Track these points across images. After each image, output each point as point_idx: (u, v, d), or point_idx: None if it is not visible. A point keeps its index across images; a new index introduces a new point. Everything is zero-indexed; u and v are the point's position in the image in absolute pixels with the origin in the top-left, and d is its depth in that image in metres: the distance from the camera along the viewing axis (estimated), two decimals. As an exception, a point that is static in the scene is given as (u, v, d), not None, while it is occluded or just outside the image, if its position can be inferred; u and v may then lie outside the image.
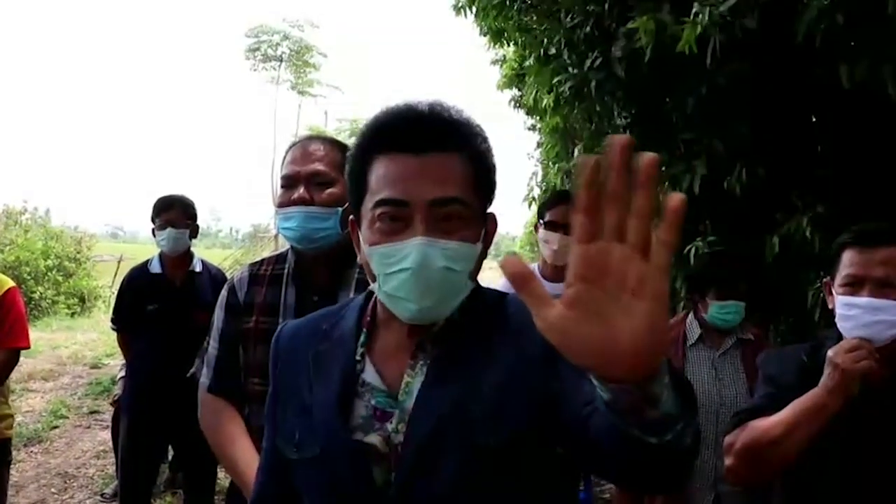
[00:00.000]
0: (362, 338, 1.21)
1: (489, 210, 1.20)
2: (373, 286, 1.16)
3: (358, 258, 1.20)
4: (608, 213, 0.65)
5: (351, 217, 1.23)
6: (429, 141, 1.10)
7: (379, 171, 1.12)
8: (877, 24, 2.82)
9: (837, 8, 2.76)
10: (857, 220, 2.02)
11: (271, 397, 1.30)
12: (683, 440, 0.80)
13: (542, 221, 3.37)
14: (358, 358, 1.19)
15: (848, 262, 1.87)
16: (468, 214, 1.11)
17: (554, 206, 3.36)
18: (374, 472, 1.10)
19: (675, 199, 0.64)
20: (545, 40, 5.09)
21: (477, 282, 1.24)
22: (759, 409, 1.95)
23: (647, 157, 0.64)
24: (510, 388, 1.06)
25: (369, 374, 1.17)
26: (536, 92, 5.73)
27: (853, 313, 1.83)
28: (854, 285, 1.85)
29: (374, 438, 1.11)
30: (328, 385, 1.17)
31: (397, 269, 1.08)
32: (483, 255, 1.19)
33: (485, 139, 1.18)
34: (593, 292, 0.66)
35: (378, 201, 1.10)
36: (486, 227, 1.18)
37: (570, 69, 4.72)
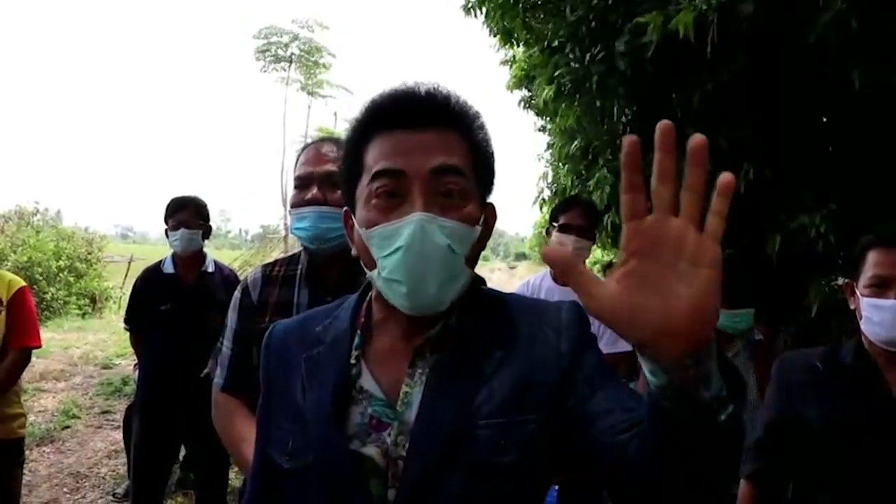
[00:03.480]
0: (357, 340, 1.15)
1: (489, 201, 1.15)
2: (370, 275, 1.10)
3: (353, 251, 1.15)
4: (661, 188, 0.69)
5: (345, 208, 1.18)
6: (426, 117, 1.08)
7: (375, 149, 1.08)
8: (888, 26, 2.81)
9: (852, 12, 2.74)
10: (872, 218, 2.01)
11: (262, 403, 1.25)
12: (735, 423, 0.77)
13: (554, 224, 3.39)
14: (353, 362, 1.13)
15: (873, 262, 1.84)
16: (469, 190, 1.08)
17: (567, 210, 3.40)
18: (370, 484, 1.04)
19: (727, 176, 0.67)
20: (549, 34, 5.10)
21: (477, 280, 1.18)
22: (764, 449, 2.04)
23: (697, 138, 0.68)
24: (521, 404, 1.02)
25: (366, 381, 1.11)
26: (545, 91, 5.73)
27: (880, 316, 1.80)
28: (880, 286, 1.82)
29: (371, 450, 1.05)
30: (322, 391, 1.11)
31: (394, 248, 1.03)
32: (482, 246, 1.13)
33: (482, 125, 1.15)
34: (648, 264, 0.69)
35: (375, 174, 1.06)
36: (485, 216, 1.12)
37: (571, 63, 4.73)
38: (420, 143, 1.05)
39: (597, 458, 0.95)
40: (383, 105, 1.10)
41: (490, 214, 1.15)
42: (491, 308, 1.15)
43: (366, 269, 1.12)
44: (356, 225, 1.11)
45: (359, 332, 1.16)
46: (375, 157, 1.07)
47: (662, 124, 0.70)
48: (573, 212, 3.37)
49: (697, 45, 3.14)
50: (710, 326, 0.70)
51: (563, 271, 0.71)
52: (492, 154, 1.16)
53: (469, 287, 1.12)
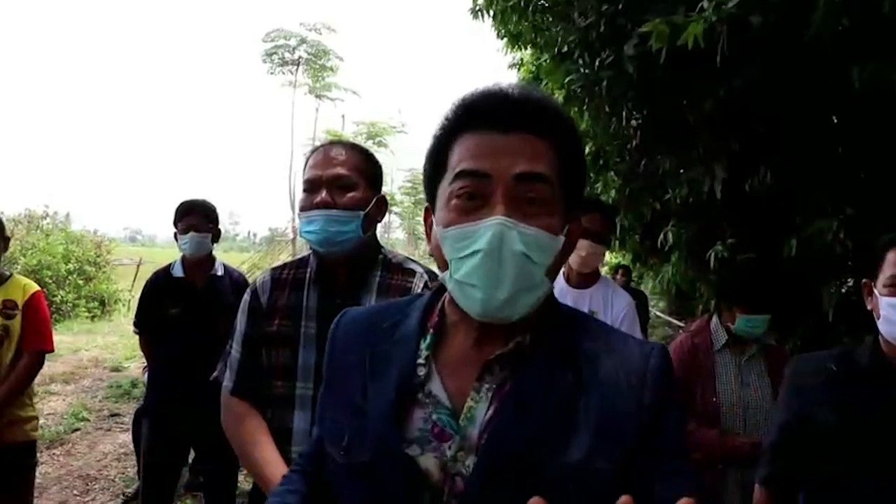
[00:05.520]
0: (428, 340, 1.10)
1: (574, 215, 1.10)
2: (443, 276, 1.07)
3: (428, 248, 1.11)
4: None
5: (426, 206, 1.15)
6: (516, 121, 1.02)
7: (461, 147, 1.04)
8: (882, 26, 2.80)
9: (844, 10, 2.74)
10: (890, 220, 2.00)
11: (323, 392, 1.23)
12: None
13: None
14: (421, 361, 1.08)
15: (893, 261, 1.83)
16: (553, 201, 1.02)
17: (585, 214, 3.35)
18: (423, 495, 1.00)
19: None
20: (559, 39, 5.10)
21: (553, 295, 1.13)
22: (778, 452, 2.02)
23: None
24: (597, 449, 0.96)
25: (435, 385, 1.06)
26: (552, 94, 5.75)
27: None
28: None
29: (428, 461, 1.01)
30: (385, 388, 1.07)
31: (470, 251, 0.98)
32: (563, 259, 1.09)
33: (575, 135, 1.10)
34: None
35: (457, 173, 1.02)
36: (569, 229, 1.07)
37: (582, 69, 4.73)
38: (507, 146, 1.01)
39: None
40: (474, 104, 1.07)
41: (575, 229, 1.10)
42: (567, 327, 1.09)
43: (438, 271, 1.09)
44: (434, 224, 1.08)
45: (431, 331, 1.11)
46: (460, 156, 1.04)
47: None
48: (591, 216, 3.30)
49: (708, 54, 3.13)
50: None
51: None
52: (584, 166, 1.13)
53: (545, 302, 1.07)
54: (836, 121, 4.03)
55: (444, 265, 1.05)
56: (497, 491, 0.96)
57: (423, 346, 1.10)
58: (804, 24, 3.03)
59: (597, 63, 4.50)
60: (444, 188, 1.05)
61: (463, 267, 1.00)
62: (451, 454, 1.01)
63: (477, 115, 1.05)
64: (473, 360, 1.05)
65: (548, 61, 5.75)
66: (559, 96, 5.42)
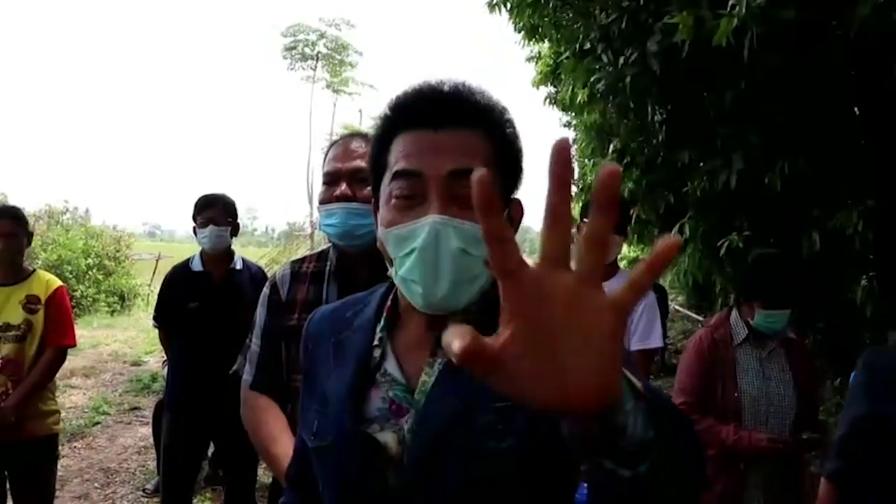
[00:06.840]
0: (381, 324, 1.16)
1: (515, 196, 1.14)
2: (390, 271, 1.10)
3: (377, 244, 1.14)
4: (551, 231, 0.57)
5: (372, 200, 1.18)
6: (446, 116, 1.05)
7: (397, 148, 1.08)
8: None
9: (892, 6, 2.71)
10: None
11: (303, 385, 1.28)
12: (660, 472, 0.69)
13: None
14: (376, 343, 1.14)
15: None
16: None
17: None
18: (385, 469, 1.06)
19: (669, 241, 0.56)
20: (580, 36, 5.08)
21: None
22: (848, 448, 1.93)
23: (608, 170, 0.54)
24: None
25: (391, 365, 1.12)
26: (572, 88, 5.72)
27: None
28: None
29: (387, 436, 1.07)
30: (344, 373, 1.14)
31: (409, 249, 1.03)
32: None
33: (510, 121, 1.12)
34: (535, 330, 0.57)
35: (394, 174, 1.06)
36: (510, 212, 1.11)
37: (605, 67, 4.71)
38: (439, 143, 1.04)
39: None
40: (407, 103, 1.10)
41: (516, 210, 1.13)
42: None
43: (387, 264, 1.12)
44: (379, 223, 1.12)
45: (384, 316, 1.17)
46: (396, 157, 1.07)
47: (559, 141, 0.55)
48: None
49: (736, 45, 3.10)
50: (607, 391, 0.59)
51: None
52: (519, 150, 1.14)
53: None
54: (857, 112, 3.99)
55: (390, 262, 1.10)
56: (434, 449, 1.02)
57: (378, 329, 1.16)
58: (832, 16, 3.00)
59: (620, 60, 4.47)
60: (385, 188, 1.09)
61: (404, 264, 1.05)
62: (407, 427, 1.07)
63: (409, 114, 1.08)
64: (427, 339, 1.10)
65: (568, 58, 5.72)
66: (582, 95, 5.39)
